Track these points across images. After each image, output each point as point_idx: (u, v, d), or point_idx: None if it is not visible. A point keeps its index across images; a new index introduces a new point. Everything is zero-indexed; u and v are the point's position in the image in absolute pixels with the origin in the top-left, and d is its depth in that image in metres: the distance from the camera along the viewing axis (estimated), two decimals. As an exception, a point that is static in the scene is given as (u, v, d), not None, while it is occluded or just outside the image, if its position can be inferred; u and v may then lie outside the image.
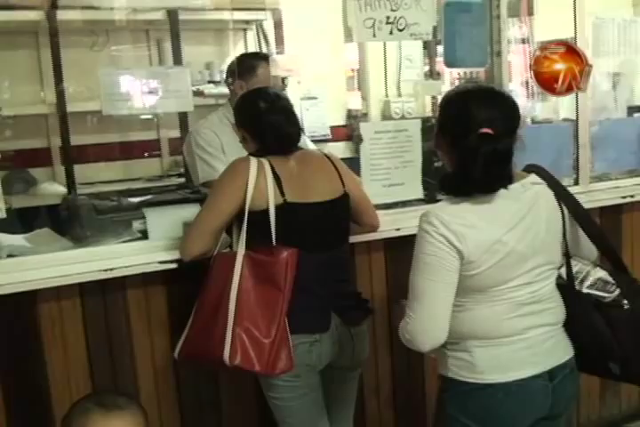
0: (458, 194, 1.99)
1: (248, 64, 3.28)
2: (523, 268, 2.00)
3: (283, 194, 2.35)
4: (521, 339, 2.02)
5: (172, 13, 4.62)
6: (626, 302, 2.07)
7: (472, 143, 1.92)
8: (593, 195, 3.46)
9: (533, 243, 2.00)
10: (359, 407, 2.96)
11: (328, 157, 2.56)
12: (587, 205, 3.31)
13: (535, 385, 2.03)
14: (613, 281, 2.09)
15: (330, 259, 2.46)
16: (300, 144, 2.59)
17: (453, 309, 1.98)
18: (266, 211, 2.33)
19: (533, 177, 2.09)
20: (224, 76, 3.89)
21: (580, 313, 2.09)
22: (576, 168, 3.49)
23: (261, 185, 2.34)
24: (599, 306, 2.07)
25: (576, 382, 2.15)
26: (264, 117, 2.43)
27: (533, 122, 4.26)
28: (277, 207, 2.33)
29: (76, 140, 4.56)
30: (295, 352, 2.34)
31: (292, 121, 2.49)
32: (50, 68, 4.42)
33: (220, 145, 3.24)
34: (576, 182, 3.50)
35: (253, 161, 2.37)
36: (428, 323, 1.96)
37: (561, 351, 2.10)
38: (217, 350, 2.28)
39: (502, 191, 1.98)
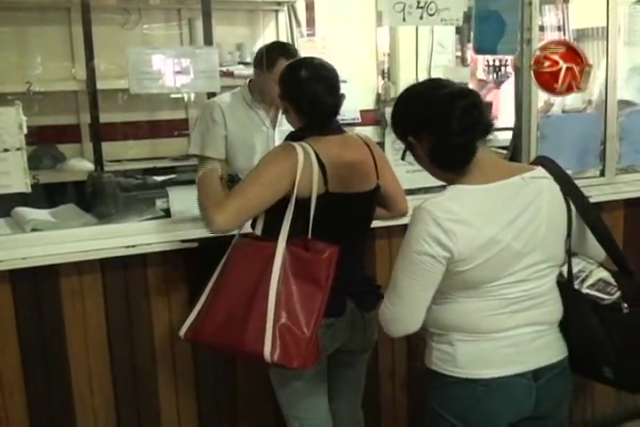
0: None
1: (268, 57, 3.23)
2: (517, 265, 1.92)
3: (326, 183, 2.31)
4: (507, 336, 1.96)
5: (204, -7, 4.60)
6: (625, 305, 1.99)
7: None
8: (618, 187, 3.44)
9: (531, 240, 1.92)
10: (374, 389, 2.98)
11: (367, 145, 2.50)
12: (611, 197, 3.38)
13: (517, 384, 1.97)
14: (615, 283, 2.02)
15: (351, 246, 2.43)
16: None
17: (441, 300, 1.96)
18: (307, 199, 2.28)
19: (538, 171, 2.00)
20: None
21: (576, 313, 2.02)
22: (602, 159, 3.45)
23: (307, 174, 2.28)
24: (597, 308, 2.01)
25: (567, 383, 2.08)
26: (304, 86, 2.38)
27: (562, 111, 4.23)
28: (318, 197, 2.29)
29: (105, 117, 4.62)
30: None
31: (332, 91, 2.41)
32: (81, 45, 4.48)
33: (224, 121, 3.23)
34: (602, 174, 3.47)
35: (300, 150, 2.30)
36: (404, 316, 1.94)
37: (551, 351, 2.03)
38: (252, 343, 2.22)
39: (501, 185, 1.91)
